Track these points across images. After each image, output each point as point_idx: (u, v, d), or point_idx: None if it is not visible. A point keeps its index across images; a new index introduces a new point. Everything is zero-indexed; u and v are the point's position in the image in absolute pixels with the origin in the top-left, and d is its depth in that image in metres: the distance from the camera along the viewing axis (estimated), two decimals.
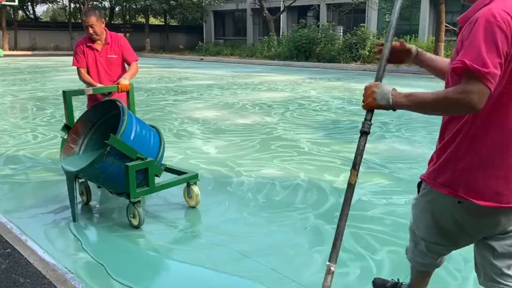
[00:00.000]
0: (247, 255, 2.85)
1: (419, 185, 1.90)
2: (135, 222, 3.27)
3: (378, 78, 1.85)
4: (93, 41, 4.12)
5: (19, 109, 8.53)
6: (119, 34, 4.33)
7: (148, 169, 3.24)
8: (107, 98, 3.70)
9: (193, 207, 3.64)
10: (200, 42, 31.35)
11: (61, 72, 16.30)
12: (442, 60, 2.01)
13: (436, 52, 16.86)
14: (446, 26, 17.33)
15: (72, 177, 3.28)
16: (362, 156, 1.87)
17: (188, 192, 3.64)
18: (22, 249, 2.93)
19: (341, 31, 21.92)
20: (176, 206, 3.74)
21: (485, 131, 1.58)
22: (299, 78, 13.89)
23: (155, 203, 3.81)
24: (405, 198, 3.81)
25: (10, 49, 29.99)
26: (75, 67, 4.20)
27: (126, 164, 3.12)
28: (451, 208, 1.68)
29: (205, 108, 8.50)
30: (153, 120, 7.29)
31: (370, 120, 1.82)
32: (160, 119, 7.40)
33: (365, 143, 1.85)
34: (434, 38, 17.95)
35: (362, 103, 1.80)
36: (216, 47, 29.10)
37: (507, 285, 1.69)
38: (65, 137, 3.54)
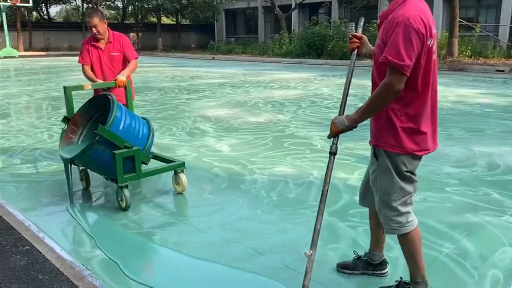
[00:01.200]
0: (262, 252, 2.86)
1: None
2: (123, 204, 3.58)
3: (340, 113, 2.27)
4: (97, 40, 4.43)
5: (34, 109, 8.65)
6: (121, 33, 4.63)
7: (135, 157, 3.56)
8: (104, 93, 3.94)
9: (180, 193, 3.92)
10: (211, 41, 31.40)
11: (75, 71, 16.47)
12: None
13: (450, 47, 16.67)
14: (460, 21, 17.11)
15: (67, 164, 3.63)
16: (331, 173, 2.28)
17: (175, 179, 3.94)
18: (40, 247, 2.98)
19: (353, 27, 21.78)
20: (191, 204, 3.77)
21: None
22: (311, 76, 13.85)
23: (170, 201, 3.83)
24: (420, 195, 3.78)
25: (24, 50, 30.39)
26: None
27: (114, 152, 3.44)
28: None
29: (217, 106, 8.53)
30: (166, 118, 7.33)
31: (337, 144, 2.27)
32: (173, 117, 7.44)
33: (333, 162, 2.29)
34: (447, 33, 17.73)
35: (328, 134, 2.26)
36: (227, 46, 29.13)
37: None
38: (65, 128, 3.89)
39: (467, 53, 16.97)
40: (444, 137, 5.79)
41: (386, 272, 2.58)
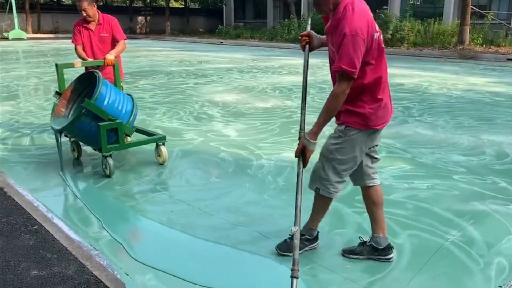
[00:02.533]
0: (268, 236, 2.87)
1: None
2: (107, 171, 3.95)
3: (301, 129, 2.46)
4: (88, 22, 4.75)
5: (43, 91, 8.68)
6: (111, 16, 4.91)
7: (118, 129, 3.93)
8: (92, 70, 4.24)
9: (162, 164, 4.28)
10: (220, 25, 31.17)
11: None
12: None
13: (461, 35, 16.44)
14: (472, 9, 16.85)
15: (57, 134, 4.06)
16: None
17: (157, 152, 4.33)
18: (48, 226, 3.01)
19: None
20: (198, 188, 3.79)
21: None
22: (320, 62, 13.74)
23: (178, 184, 3.86)
24: (427, 183, 3.78)
25: (33, 32, 30.38)
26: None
27: (98, 123, 3.80)
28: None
29: (225, 91, 8.51)
30: (174, 103, 7.34)
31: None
32: (180, 102, 7.44)
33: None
34: (459, 21, 17.47)
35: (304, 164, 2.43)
36: (236, 30, 28.91)
37: (376, 178, 2.62)
38: (56, 102, 4.25)
39: (478, 41, 16.74)
40: (453, 126, 5.75)
41: (391, 257, 2.59)
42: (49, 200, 3.50)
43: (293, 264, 2.13)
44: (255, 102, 7.40)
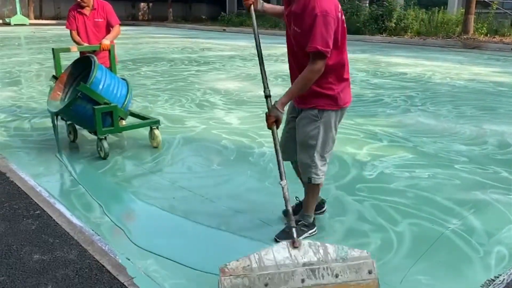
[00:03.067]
0: (269, 223, 2.89)
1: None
2: (102, 154, 4.06)
3: (265, 87, 2.53)
4: (82, 7, 4.86)
5: (45, 77, 8.65)
6: (105, 1, 5.02)
7: (113, 112, 4.03)
8: (87, 55, 4.33)
9: (156, 147, 4.38)
10: (222, 13, 30.95)
11: None
12: (279, 7, 2.78)
13: (465, 25, 16.30)
14: None
15: (53, 117, 4.18)
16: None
17: (150, 135, 4.42)
18: (50, 211, 3.03)
19: (367, 2, 21.33)
20: (200, 175, 3.80)
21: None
22: None
23: (180, 171, 3.87)
24: (428, 172, 3.78)
25: (35, 18, 30.21)
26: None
27: (94, 107, 3.90)
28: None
29: (227, 79, 8.48)
30: (176, 90, 7.32)
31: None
32: (182, 89, 7.42)
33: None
34: (463, 10, 17.30)
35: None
36: (238, 18, 28.69)
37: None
38: (53, 85, 4.35)
39: (482, 31, 16.59)
40: (455, 115, 5.73)
41: (324, 209, 2.94)
42: (51, 186, 3.52)
43: (288, 216, 2.30)
44: (257, 90, 7.38)
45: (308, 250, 2.01)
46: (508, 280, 2.32)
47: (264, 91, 2.50)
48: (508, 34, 16.56)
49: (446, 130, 5.06)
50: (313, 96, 2.46)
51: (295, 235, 2.13)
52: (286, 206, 2.31)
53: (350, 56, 10.69)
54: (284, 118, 2.50)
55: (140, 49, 13.54)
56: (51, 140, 4.61)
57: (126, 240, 2.72)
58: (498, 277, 2.35)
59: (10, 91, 7.12)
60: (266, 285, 1.93)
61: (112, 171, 3.85)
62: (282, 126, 2.57)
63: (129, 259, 2.50)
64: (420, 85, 7.81)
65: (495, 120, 5.52)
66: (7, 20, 26.21)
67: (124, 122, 4.52)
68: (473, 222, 2.93)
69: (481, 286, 2.28)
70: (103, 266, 2.42)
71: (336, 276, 1.96)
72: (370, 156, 4.17)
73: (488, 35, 16.42)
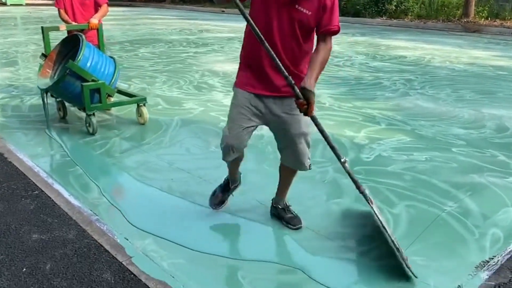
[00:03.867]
0: (267, 204, 2.90)
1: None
2: (90, 129, 4.20)
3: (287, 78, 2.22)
4: None
5: None
6: None
7: (101, 89, 4.16)
8: (75, 33, 4.41)
9: (142, 124, 4.52)
10: None
11: None
12: None
13: (466, 8, 16.16)
14: None
15: (43, 93, 4.30)
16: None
17: (138, 112, 4.56)
18: (49, 192, 3.04)
19: None
20: (198, 156, 3.80)
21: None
22: None
23: (178, 152, 3.87)
24: (426, 155, 3.79)
25: None
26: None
27: (82, 84, 4.02)
28: None
29: (225, 61, 8.42)
30: (174, 72, 7.27)
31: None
32: (181, 71, 7.38)
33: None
34: None
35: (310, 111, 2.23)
36: None
37: None
38: (42, 63, 4.46)
39: (483, 14, 16.45)
40: (454, 99, 5.72)
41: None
42: (49, 166, 3.52)
43: (356, 184, 2.39)
44: None
45: None
46: (503, 262, 2.34)
47: (286, 80, 2.19)
48: (509, 17, 16.42)
49: (444, 113, 5.05)
50: (297, 77, 2.27)
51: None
52: (352, 177, 2.38)
53: (349, 39, 10.74)
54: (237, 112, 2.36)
55: (138, 30, 13.41)
56: (49, 121, 4.61)
57: (124, 220, 2.73)
58: (492, 258, 2.38)
59: (7, 72, 7.07)
60: None
61: (110, 152, 3.85)
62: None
63: (127, 239, 2.51)
64: (420, 69, 7.78)
65: (493, 104, 5.51)
66: (3, 0, 25.88)
67: (112, 99, 4.60)
68: (469, 204, 2.95)
69: (475, 267, 2.30)
70: (102, 245, 2.43)
71: None
72: (368, 139, 4.17)
73: (489, 18, 16.28)
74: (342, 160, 2.34)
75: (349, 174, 2.37)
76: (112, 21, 15.67)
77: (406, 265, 2.18)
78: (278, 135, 2.53)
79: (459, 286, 2.16)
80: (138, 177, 3.36)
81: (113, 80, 4.35)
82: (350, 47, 10.46)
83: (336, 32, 2.27)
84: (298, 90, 2.17)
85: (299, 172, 3.29)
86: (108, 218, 2.75)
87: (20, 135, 4.24)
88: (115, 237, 2.53)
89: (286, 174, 2.67)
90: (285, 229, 2.65)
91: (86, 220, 2.69)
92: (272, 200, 2.79)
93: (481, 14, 16.46)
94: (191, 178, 3.33)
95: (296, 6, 2.20)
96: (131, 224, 2.68)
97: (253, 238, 2.62)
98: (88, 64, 4.08)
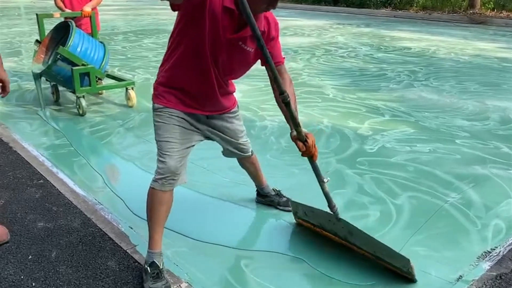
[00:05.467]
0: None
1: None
2: (80, 111, 4.48)
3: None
4: None
5: None
6: None
7: (90, 73, 4.42)
8: (66, 20, 4.68)
9: (130, 107, 4.79)
10: None
11: None
12: None
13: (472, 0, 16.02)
14: None
15: (36, 77, 4.54)
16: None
17: (126, 95, 4.83)
18: (54, 181, 3.07)
19: None
20: (202, 147, 3.80)
21: None
22: (327, 23, 13.50)
23: None
24: (429, 146, 3.79)
25: None
26: None
27: (72, 67, 4.27)
28: None
29: None
30: None
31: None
32: None
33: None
34: None
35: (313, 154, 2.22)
36: None
37: None
38: (37, 49, 4.71)
39: (489, 6, 16.31)
40: (459, 90, 5.70)
41: None
42: (54, 155, 3.54)
43: (330, 203, 2.36)
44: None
45: None
46: (504, 252, 2.35)
47: (297, 133, 2.15)
48: None
49: (448, 105, 5.04)
50: (231, 94, 2.40)
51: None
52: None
53: (354, 29, 10.68)
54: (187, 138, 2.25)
55: (142, 20, 13.38)
56: (52, 111, 4.63)
57: (129, 209, 2.75)
58: (494, 249, 2.39)
59: (11, 62, 7.08)
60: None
61: (113, 142, 3.87)
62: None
63: (131, 228, 2.54)
64: (424, 60, 7.74)
65: (498, 96, 5.49)
66: None
67: (103, 83, 4.96)
68: (472, 196, 2.96)
69: (477, 258, 2.31)
70: (106, 234, 2.46)
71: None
72: (372, 130, 4.17)
73: (495, 10, 16.15)
74: (325, 180, 2.32)
75: (326, 195, 2.32)
76: (116, 11, 15.64)
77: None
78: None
79: (460, 276, 2.17)
80: (142, 166, 3.37)
81: (103, 64, 4.60)
82: (354, 38, 10.41)
83: (282, 64, 2.30)
84: (301, 134, 2.16)
85: (299, 164, 3.33)
86: (112, 207, 2.77)
87: (25, 124, 4.26)
88: (120, 225, 2.55)
89: (244, 164, 2.73)
90: (288, 220, 2.66)
91: (91, 209, 2.72)
92: (259, 190, 2.84)
93: (487, 5, 16.32)
94: (195, 168, 3.34)
95: (245, 47, 2.05)
96: (134, 213, 2.70)
97: (256, 228, 2.64)
98: (78, 49, 4.36)
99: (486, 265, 2.25)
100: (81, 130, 4.15)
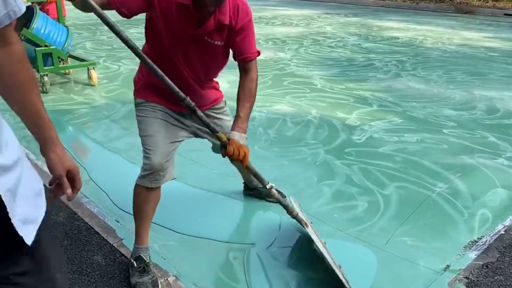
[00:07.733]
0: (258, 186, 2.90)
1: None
2: (44, 88, 4.80)
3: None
4: None
5: None
6: None
7: (52, 54, 4.84)
8: (30, 4, 4.94)
9: (93, 86, 5.16)
10: None
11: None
12: None
13: None
14: None
15: None
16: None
17: (88, 75, 5.22)
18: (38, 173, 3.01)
19: None
20: (191, 140, 3.77)
21: None
22: (315, 13, 13.45)
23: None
24: (417, 136, 3.80)
25: None
26: None
27: (35, 48, 4.65)
28: None
29: None
30: None
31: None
32: None
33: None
34: None
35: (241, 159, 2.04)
36: None
37: None
38: None
39: None
40: (446, 80, 5.72)
41: None
42: (36, 148, 3.47)
43: (287, 209, 2.25)
44: None
45: None
46: (491, 242, 2.38)
47: (184, 102, 1.85)
48: None
49: (436, 95, 5.06)
50: (215, 89, 2.33)
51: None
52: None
53: (342, 19, 10.62)
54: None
55: None
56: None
57: (115, 203, 2.72)
58: (481, 238, 2.41)
59: None
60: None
61: (99, 134, 3.81)
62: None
63: (118, 221, 2.51)
64: (412, 50, 7.75)
65: (485, 85, 5.52)
66: None
67: (69, 62, 5.35)
68: (459, 185, 2.98)
69: (464, 247, 2.33)
70: (92, 228, 2.43)
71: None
72: (360, 121, 4.17)
73: None
74: (268, 186, 2.19)
75: (278, 201, 2.21)
76: None
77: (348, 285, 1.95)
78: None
79: (448, 265, 2.18)
80: (129, 159, 3.33)
81: (65, 46, 4.99)
82: (342, 28, 10.39)
83: (255, 58, 2.09)
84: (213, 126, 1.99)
85: (288, 155, 3.31)
86: (98, 201, 2.73)
87: (7, 117, 4.17)
88: (106, 219, 2.52)
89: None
90: (277, 212, 2.65)
91: (77, 203, 2.67)
92: (247, 184, 2.80)
93: None
94: (183, 160, 3.31)
95: (210, 40, 1.95)
96: (118, 207, 2.66)
97: (245, 221, 2.63)
98: (42, 32, 4.73)
99: (472, 255, 2.27)
100: (65, 122, 4.08)
